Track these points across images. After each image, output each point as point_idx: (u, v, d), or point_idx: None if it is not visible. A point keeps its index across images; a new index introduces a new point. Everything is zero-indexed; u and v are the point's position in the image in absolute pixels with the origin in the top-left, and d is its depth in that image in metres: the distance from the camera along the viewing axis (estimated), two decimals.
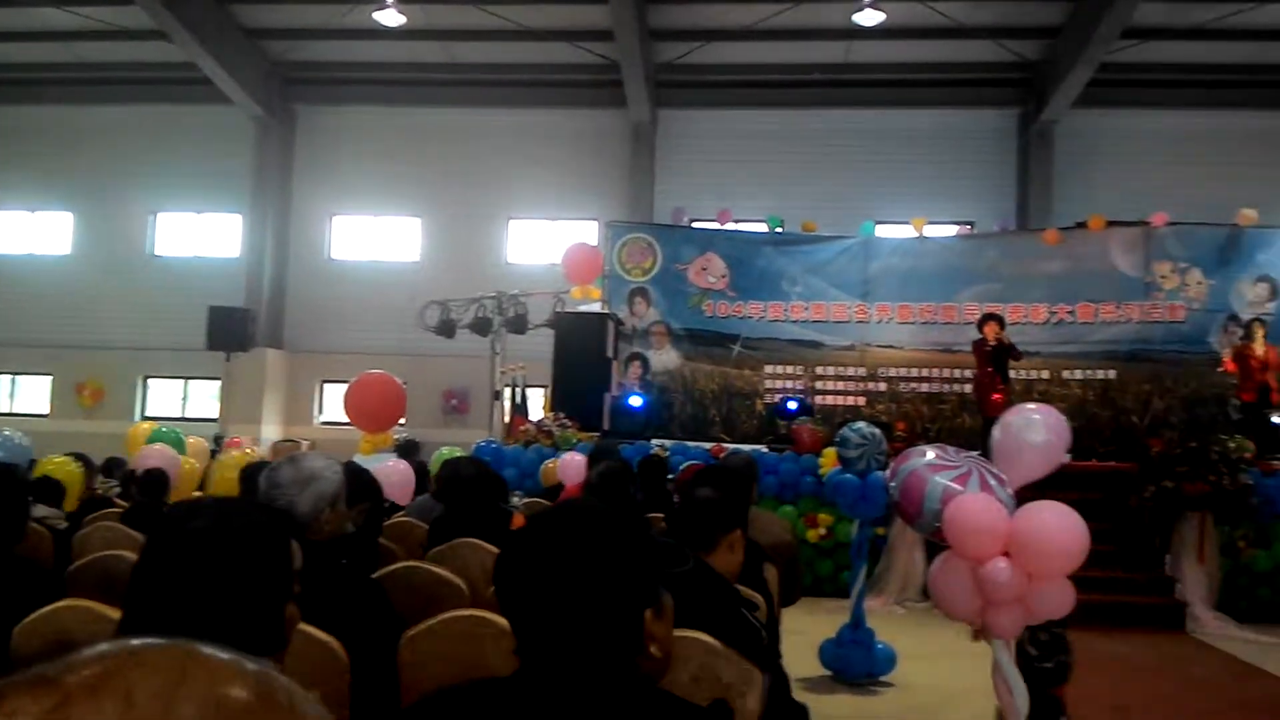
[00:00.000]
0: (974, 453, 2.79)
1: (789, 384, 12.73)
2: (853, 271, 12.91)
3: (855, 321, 12.85)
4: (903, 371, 12.74)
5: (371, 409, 9.89)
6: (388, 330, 15.75)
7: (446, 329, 10.99)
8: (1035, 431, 2.84)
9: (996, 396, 11.03)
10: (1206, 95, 15.73)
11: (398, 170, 17.54)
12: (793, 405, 11.63)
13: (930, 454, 2.71)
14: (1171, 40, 14.66)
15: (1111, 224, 12.66)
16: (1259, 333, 10.92)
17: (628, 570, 1.18)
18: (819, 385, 12.82)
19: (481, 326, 10.75)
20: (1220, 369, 11.49)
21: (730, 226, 13.41)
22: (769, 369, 12.88)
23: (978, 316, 12.47)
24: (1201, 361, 11.98)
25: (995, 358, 10.96)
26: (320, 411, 17.56)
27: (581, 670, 1.15)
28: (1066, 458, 3.21)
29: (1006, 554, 2.41)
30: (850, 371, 12.85)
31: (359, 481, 3.54)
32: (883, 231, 13.60)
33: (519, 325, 10.74)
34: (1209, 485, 8.71)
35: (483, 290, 11.14)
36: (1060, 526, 2.37)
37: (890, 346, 12.78)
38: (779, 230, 13.25)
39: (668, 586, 2.50)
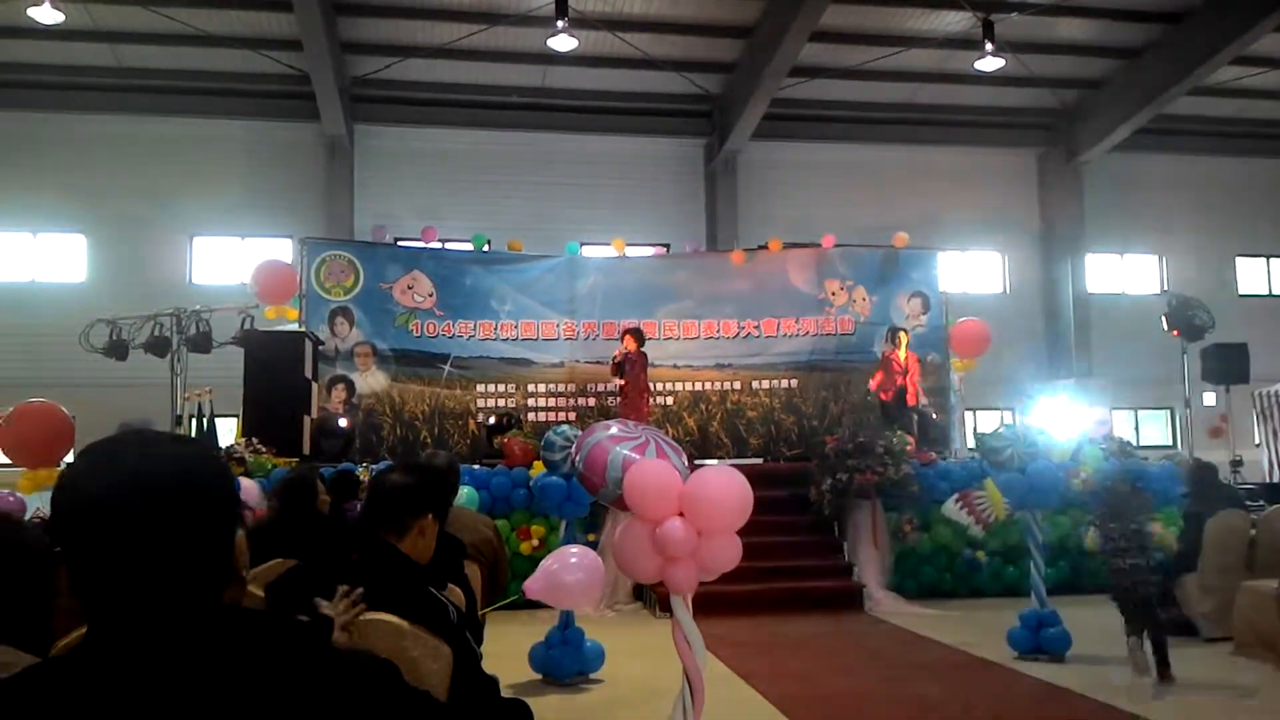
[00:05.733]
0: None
1: (501, 402, 12.73)
2: (560, 289, 13.17)
3: (564, 339, 13.08)
4: (611, 386, 13.11)
5: (33, 442, 8.75)
6: (50, 359, 14.09)
7: (117, 350, 9.90)
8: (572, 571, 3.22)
9: (645, 407, 11.62)
10: (865, 130, 17.63)
11: (59, 182, 15.84)
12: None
13: (613, 428, 2.82)
14: (833, 79, 16.30)
15: (788, 246, 13.79)
16: (904, 340, 12.30)
17: (209, 495, 1.07)
18: (530, 403, 12.92)
19: (159, 346, 9.80)
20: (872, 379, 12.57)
21: (435, 245, 13.26)
22: (480, 388, 12.82)
23: (676, 333, 13.22)
24: (869, 369, 13.23)
25: (635, 369, 11.53)
26: None
27: (159, 609, 1.04)
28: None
29: (681, 514, 2.56)
30: (560, 388, 13.05)
31: None
32: (586, 252, 13.98)
33: (202, 344, 9.89)
34: (877, 475, 9.67)
35: (161, 310, 10.21)
36: (726, 486, 2.55)
37: (597, 362, 13.11)
38: (485, 249, 13.27)
39: (352, 572, 2.44)
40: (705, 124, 17.56)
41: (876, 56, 15.64)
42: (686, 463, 2.77)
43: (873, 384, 12.12)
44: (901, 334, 12.24)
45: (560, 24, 13.74)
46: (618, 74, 16.23)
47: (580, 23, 14.21)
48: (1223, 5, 14.47)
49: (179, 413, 10.24)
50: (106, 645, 1.05)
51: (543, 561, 3.29)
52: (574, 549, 3.42)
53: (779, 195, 17.70)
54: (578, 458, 2.81)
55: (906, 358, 12.07)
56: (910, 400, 11.85)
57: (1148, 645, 5.98)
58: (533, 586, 3.22)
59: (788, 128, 17.27)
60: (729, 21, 15.24)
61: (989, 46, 14.49)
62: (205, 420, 11.01)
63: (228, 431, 12.06)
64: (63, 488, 1.07)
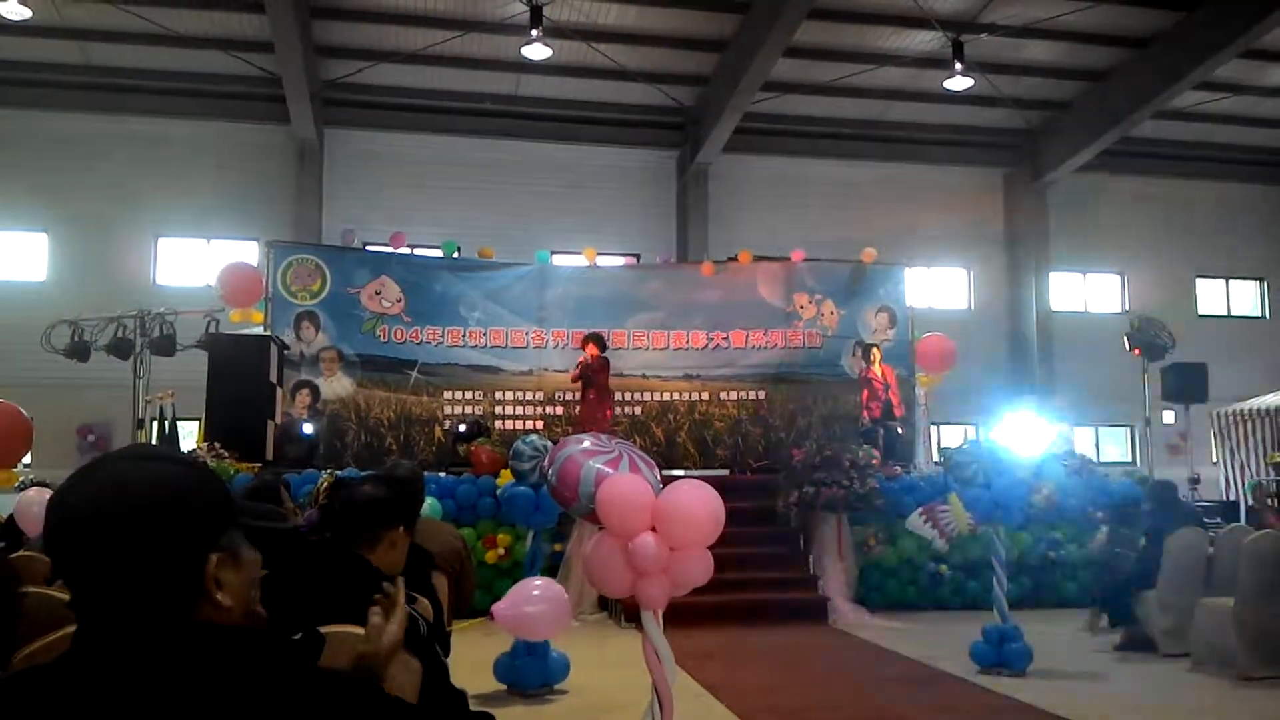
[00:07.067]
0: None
1: (468, 409, 12.67)
2: (529, 298, 13.14)
3: (532, 347, 13.06)
4: (577, 395, 13.08)
5: None
6: (9, 360, 13.81)
7: (79, 351, 9.73)
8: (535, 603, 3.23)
9: (608, 413, 11.64)
10: (835, 146, 17.78)
11: (22, 179, 15.59)
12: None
13: (585, 442, 2.82)
14: (805, 95, 16.43)
15: (758, 259, 13.87)
16: (877, 356, 12.44)
17: (172, 512, 1.09)
18: (498, 410, 12.86)
19: (122, 348, 9.64)
20: (856, 392, 12.74)
21: (404, 251, 13.18)
22: (448, 395, 12.74)
23: (645, 343, 13.24)
24: (836, 383, 13.35)
25: (597, 375, 11.57)
26: None
27: (129, 621, 1.07)
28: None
29: (653, 529, 2.56)
30: (528, 396, 13.01)
31: None
32: (556, 261, 13.96)
33: (166, 347, 9.74)
34: (843, 489, 9.73)
35: (125, 311, 10.05)
36: (697, 502, 2.55)
37: (565, 371, 13.10)
38: (456, 256, 13.21)
39: (336, 580, 2.41)
40: (677, 136, 17.62)
41: (848, 73, 15.79)
42: (659, 476, 2.77)
43: (866, 414, 12.20)
44: (875, 350, 12.37)
45: (535, 33, 13.74)
46: (591, 84, 16.24)
47: (554, 32, 14.22)
48: (1187, 32, 14.78)
49: (141, 416, 10.08)
50: (84, 657, 1.06)
51: (511, 591, 3.26)
52: (538, 581, 3.40)
53: (749, 208, 17.80)
54: (550, 471, 2.80)
55: (884, 372, 12.20)
56: (897, 413, 12.00)
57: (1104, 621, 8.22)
58: (502, 613, 3.20)
59: (759, 142, 17.38)
60: (703, 35, 15.32)
61: (958, 66, 14.68)
62: (167, 424, 10.87)
63: (190, 435, 11.90)
64: (54, 498, 1.12)
